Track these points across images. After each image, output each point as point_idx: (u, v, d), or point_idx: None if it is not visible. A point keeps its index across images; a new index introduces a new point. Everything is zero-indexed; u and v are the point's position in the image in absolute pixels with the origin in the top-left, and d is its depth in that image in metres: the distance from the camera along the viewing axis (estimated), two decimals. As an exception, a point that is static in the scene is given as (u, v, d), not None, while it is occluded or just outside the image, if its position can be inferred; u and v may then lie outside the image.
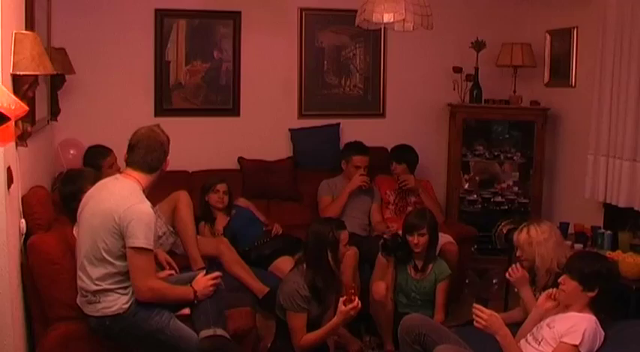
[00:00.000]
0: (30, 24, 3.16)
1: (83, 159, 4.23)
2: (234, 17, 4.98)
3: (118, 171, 4.22)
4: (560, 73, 5.02)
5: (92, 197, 2.83)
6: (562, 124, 5.06)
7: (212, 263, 3.98)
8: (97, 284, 2.71)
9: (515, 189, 5.20)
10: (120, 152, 4.31)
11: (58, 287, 2.81)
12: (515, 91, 5.15)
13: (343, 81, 5.30)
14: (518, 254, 3.29)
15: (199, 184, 4.52)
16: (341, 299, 3.09)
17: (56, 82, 4.22)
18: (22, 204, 2.87)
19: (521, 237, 3.24)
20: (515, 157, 5.19)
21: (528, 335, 2.77)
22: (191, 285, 2.89)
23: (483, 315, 2.67)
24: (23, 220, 2.86)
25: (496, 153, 5.20)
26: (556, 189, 5.13)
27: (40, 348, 2.81)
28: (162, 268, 3.49)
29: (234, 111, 5.07)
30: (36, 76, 2.79)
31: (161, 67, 4.88)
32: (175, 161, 4.76)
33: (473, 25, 5.25)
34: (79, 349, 2.83)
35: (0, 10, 2.51)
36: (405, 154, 4.78)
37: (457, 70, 5.09)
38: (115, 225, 2.67)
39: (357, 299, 3.07)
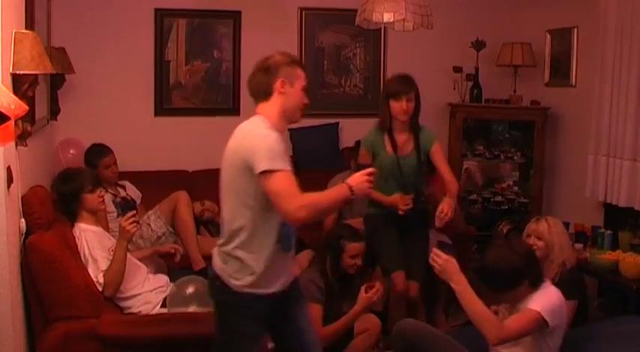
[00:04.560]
0: (30, 24, 3.16)
1: (84, 157, 4.23)
2: (234, 17, 4.99)
3: (115, 173, 4.24)
4: (560, 72, 5.02)
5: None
6: (562, 124, 5.06)
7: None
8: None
9: (515, 189, 5.21)
10: (120, 150, 4.36)
11: (58, 287, 2.80)
12: (515, 91, 5.16)
13: (343, 81, 5.31)
14: (531, 242, 3.30)
15: (199, 184, 4.52)
16: (362, 287, 3.04)
17: (56, 81, 4.22)
18: (22, 204, 2.87)
19: (540, 225, 3.26)
20: (515, 157, 5.19)
21: None
22: (345, 182, 2.45)
23: (439, 260, 2.60)
24: (23, 220, 2.86)
25: (496, 153, 5.21)
26: (556, 189, 5.13)
27: (40, 348, 2.80)
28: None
29: (234, 110, 5.07)
30: (36, 75, 2.78)
31: (161, 66, 4.88)
32: (175, 161, 4.83)
33: (473, 25, 5.25)
34: (79, 349, 2.82)
35: (0, 9, 2.51)
36: None
37: (457, 69, 5.10)
38: (240, 162, 2.33)
39: (378, 283, 3.01)
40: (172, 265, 3.59)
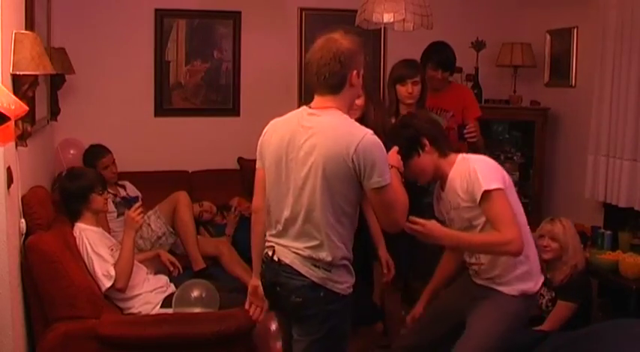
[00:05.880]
0: (30, 24, 3.16)
1: (82, 158, 4.24)
2: (234, 17, 4.99)
3: (114, 173, 4.24)
4: (560, 73, 5.02)
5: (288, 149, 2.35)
6: (562, 124, 5.06)
7: (212, 263, 3.98)
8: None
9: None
10: (120, 150, 4.36)
11: (58, 287, 2.80)
12: (515, 91, 5.15)
13: (343, 81, 5.30)
14: (544, 243, 3.30)
15: (199, 184, 4.51)
16: None
17: (56, 82, 4.22)
18: (22, 204, 2.87)
19: (555, 226, 3.30)
20: (515, 157, 5.18)
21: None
22: (391, 166, 2.40)
23: (418, 227, 2.35)
24: (23, 220, 2.86)
25: (496, 153, 5.20)
26: (556, 189, 5.13)
27: (40, 348, 2.80)
28: (167, 269, 3.49)
29: (234, 111, 5.07)
30: (36, 75, 2.78)
31: (161, 67, 4.88)
32: (175, 161, 4.83)
33: (473, 25, 5.25)
34: (79, 349, 2.82)
35: (0, 10, 2.51)
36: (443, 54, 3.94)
37: (457, 70, 5.08)
38: (348, 171, 2.17)
39: None
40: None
